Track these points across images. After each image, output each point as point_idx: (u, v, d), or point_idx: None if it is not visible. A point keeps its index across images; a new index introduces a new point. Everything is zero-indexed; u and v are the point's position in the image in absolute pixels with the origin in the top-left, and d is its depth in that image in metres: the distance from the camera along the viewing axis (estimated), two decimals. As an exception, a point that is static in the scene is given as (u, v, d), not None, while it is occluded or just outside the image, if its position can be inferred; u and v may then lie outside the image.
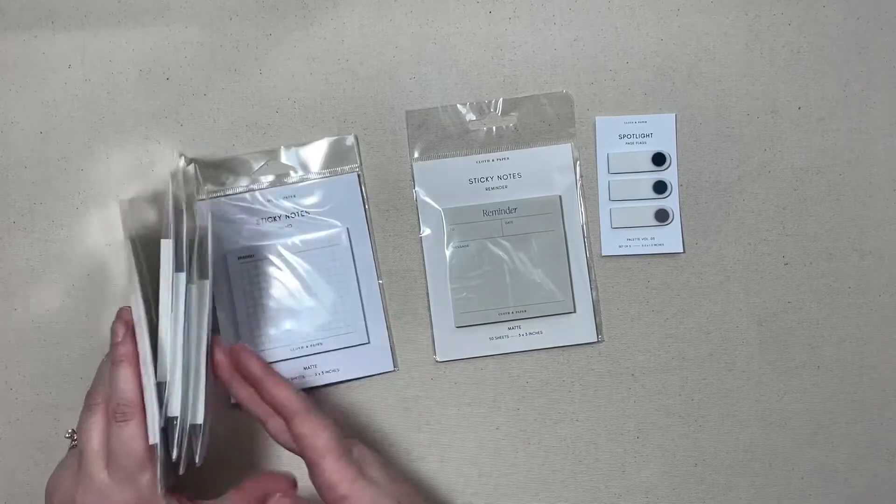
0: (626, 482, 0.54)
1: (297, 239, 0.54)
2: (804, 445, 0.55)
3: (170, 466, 0.46)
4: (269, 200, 0.54)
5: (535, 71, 0.56)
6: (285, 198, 0.54)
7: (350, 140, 0.55)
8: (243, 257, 0.54)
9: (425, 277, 0.55)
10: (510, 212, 0.54)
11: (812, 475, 0.54)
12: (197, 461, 0.47)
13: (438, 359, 0.54)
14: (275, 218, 0.54)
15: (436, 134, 0.55)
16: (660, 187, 0.55)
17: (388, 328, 0.54)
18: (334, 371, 0.54)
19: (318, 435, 0.45)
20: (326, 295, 0.54)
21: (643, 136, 0.55)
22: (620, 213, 0.55)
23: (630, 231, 0.55)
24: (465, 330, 0.54)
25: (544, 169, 0.55)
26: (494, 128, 0.55)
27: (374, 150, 0.56)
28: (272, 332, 0.54)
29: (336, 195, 0.54)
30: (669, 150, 0.55)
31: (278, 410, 0.47)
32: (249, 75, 0.56)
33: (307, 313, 0.54)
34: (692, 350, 0.55)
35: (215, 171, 0.55)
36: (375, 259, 0.54)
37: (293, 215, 0.54)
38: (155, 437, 0.44)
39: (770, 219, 0.55)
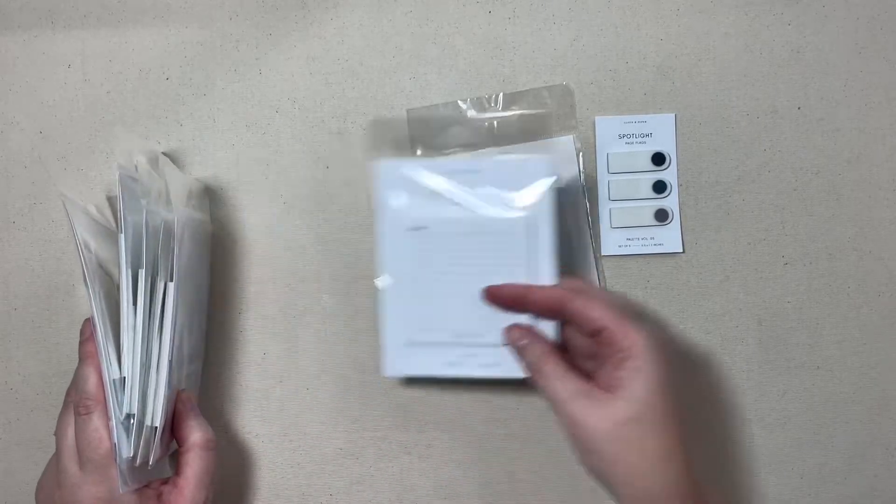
0: (625, 482, 0.54)
1: (473, 218, 0.49)
2: (804, 445, 0.55)
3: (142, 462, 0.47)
4: (454, 172, 0.50)
5: (534, 71, 0.56)
6: (470, 171, 0.50)
7: (569, 140, 0.54)
8: (416, 227, 0.50)
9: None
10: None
11: (812, 475, 0.54)
12: (150, 463, 0.47)
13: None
14: (453, 192, 0.50)
15: (437, 132, 0.55)
16: (659, 187, 0.55)
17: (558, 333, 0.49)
18: (496, 365, 0.49)
19: (591, 307, 0.45)
20: (495, 282, 0.49)
21: (643, 135, 0.55)
22: (620, 213, 0.55)
23: (630, 231, 0.55)
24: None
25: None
26: (496, 122, 0.55)
27: (373, 149, 0.56)
28: (439, 308, 0.50)
29: (524, 177, 0.49)
30: (669, 149, 0.55)
31: (549, 307, 0.47)
32: (249, 75, 0.56)
33: (476, 299, 0.49)
34: (692, 350, 0.55)
35: (428, 129, 0.54)
36: (554, 255, 0.49)
37: (474, 192, 0.50)
38: (113, 434, 0.45)
39: (770, 219, 0.55)
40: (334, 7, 0.56)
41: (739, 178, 0.55)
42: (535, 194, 0.49)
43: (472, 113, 0.55)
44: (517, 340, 0.48)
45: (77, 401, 0.46)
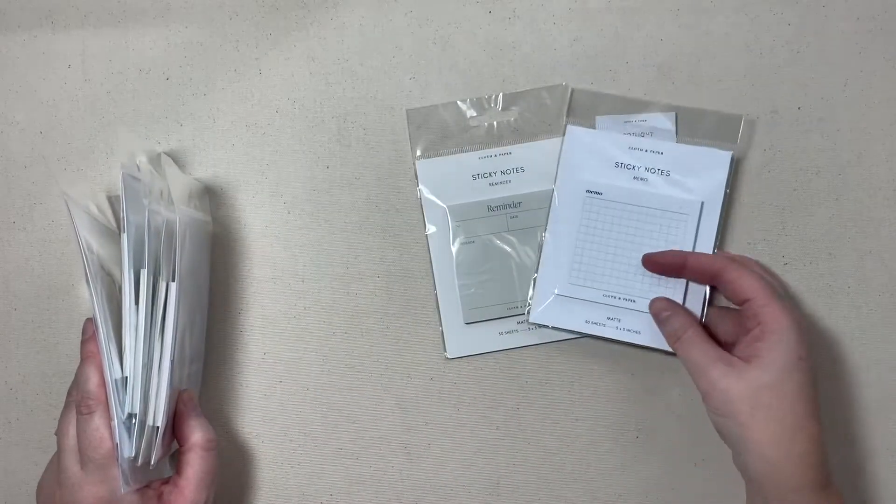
0: (626, 482, 0.54)
1: (648, 193, 0.53)
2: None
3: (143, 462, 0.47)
4: (637, 149, 0.54)
5: (534, 71, 0.56)
6: (654, 151, 0.54)
7: (741, 122, 0.55)
8: (592, 192, 0.53)
9: (432, 275, 0.55)
10: (515, 206, 0.54)
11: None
12: (151, 463, 0.47)
13: (449, 356, 0.54)
14: (634, 167, 0.54)
15: (437, 131, 0.55)
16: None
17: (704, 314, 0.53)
18: (636, 332, 0.53)
19: (745, 276, 0.48)
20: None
21: (643, 135, 0.55)
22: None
23: (631, 231, 0.55)
24: (474, 326, 0.54)
25: (548, 162, 0.55)
26: (496, 123, 0.55)
27: (374, 150, 0.56)
28: (594, 270, 0.53)
29: (703, 167, 0.54)
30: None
31: (706, 271, 0.50)
32: (249, 75, 0.56)
33: (631, 267, 0.53)
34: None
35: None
36: (716, 246, 0.53)
37: (654, 171, 0.53)
38: (115, 434, 0.45)
39: (770, 219, 0.55)
40: (334, 7, 0.56)
41: (740, 178, 0.55)
42: (710, 183, 0.53)
43: (471, 113, 0.55)
44: (661, 311, 0.51)
45: (78, 400, 0.46)
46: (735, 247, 0.55)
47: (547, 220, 0.54)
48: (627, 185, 0.53)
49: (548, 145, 0.55)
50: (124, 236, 0.46)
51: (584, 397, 0.55)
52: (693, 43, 0.56)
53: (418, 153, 0.55)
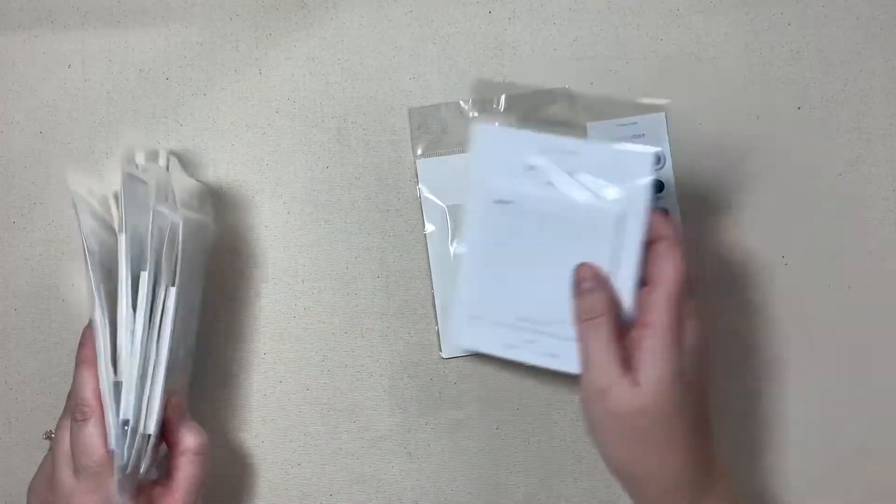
0: (625, 482, 0.54)
1: (564, 200, 0.47)
2: (804, 445, 0.55)
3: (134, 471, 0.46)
4: (551, 150, 0.47)
5: (534, 71, 0.56)
6: (568, 152, 0.47)
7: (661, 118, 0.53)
8: (501, 201, 0.48)
9: (430, 275, 0.54)
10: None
11: (811, 475, 0.54)
12: (140, 473, 0.46)
13: (444, 355, 0.54)
14: (548, 170, 0.47)
15: (438, 131, 0.55)
16: (656, 186, 0.55)
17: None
18: (553, 357, 0.47)
19: (667, 260, 0.44)
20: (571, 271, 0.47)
21: (635, 137, 0.55)
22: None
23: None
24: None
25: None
26: (497, 125, 0.55)
27: (374, 150, 0.56)
28: (507, 289, 0.48)
29: (623, 167, 0.47)
30: (663, 149, 0.55)
31: (653, 231, 0.45)
32: (249, 75, 0.56)
33: (547, 284, 0.47)
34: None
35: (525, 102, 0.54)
36: (639, 255, 0.46)
37: (570, 173, 0.47)
38: (111, 441, 0.45)
39: (770, 219, 0.55)
40: (334, 7, 0.56)
41: (739, 177, 0.55)
42: (630, 188, 0.46)
43: (473, 114, 0.55)
44: (583, 280, 0.45)
45: (73, 406, 0.46)
46: (735, 247, 0.55)
47: (461, 235, 0.50)
48: (540, 193, 0.47)
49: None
50: (122, 237, 0.45)
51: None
52: (693, 43, 0.56)
53: (419, 152, 0.55)
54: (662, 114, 0.55)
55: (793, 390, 0.55)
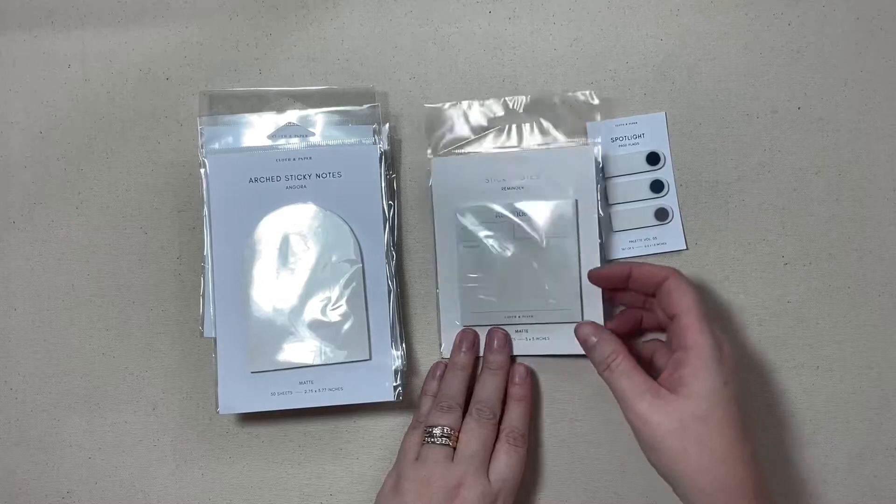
0: (626, 482, 0.54)
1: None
2: (804, 445, 0.55)
3: None
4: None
5: (534, 71, 0.56)
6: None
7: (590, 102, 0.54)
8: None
9: (436, 275, 0.54)
10: (524, 213, 0.53)
11: (812, 475, 0.54)
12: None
13: (444, 354, 0.54)
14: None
15: (453, 130, 0.55)
16: (657, 186, 0.55)
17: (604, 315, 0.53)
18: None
19: (684, 292, 0.47)
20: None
21: (635, 136, 0.55)
22: (620, 216, 0.55)
23: (632, 233, 0.55)
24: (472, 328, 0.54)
25: (564, 170, 0.53)
26: (514, 127, 0.55)
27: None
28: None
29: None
30: (663, 148, 0.55)
31: (650, 281, 0.49)
32: (249, 75, 0.56)
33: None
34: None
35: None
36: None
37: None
38: None
39: (770, 219, 0.55)
40: (334, 7, 0.56)
41: (739, 178, 0.55)
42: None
43: (492, 114, 0.55)
44: (588, 337, 0.49)
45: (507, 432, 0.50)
46: (735, 247, 0.55)
47: (435, 260, 0.54)
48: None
49: (568, 153, 0.53)
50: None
51: (584, 397, 0.55)
52: (693, 43, 0.56)
53: (429, 152, 0.55)
54: (662, 113, 0.55)
55: (793, 390, 0.55)
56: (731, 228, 0.55)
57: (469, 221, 0.53)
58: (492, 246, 0.53)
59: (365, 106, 0.54)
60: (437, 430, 0.49)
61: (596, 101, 0.54)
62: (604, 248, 0.53)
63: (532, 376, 0.54)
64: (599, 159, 0.53)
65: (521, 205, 0.53)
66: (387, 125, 0.54)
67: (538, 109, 0.55)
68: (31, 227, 0.55)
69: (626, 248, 0.55)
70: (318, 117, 0.54)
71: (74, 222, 0.55)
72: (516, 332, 0.54)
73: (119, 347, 0.55)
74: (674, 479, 0.45)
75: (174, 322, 0.55)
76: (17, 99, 0.56)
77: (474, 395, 0.52)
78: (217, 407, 0.51)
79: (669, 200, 0.55)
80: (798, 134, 0.55)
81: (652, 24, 0.56)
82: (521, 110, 0.55)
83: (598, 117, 0.55)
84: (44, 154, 0.56)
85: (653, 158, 0.55)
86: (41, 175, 0.56)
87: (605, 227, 0.55)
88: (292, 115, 0.54)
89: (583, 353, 0.50)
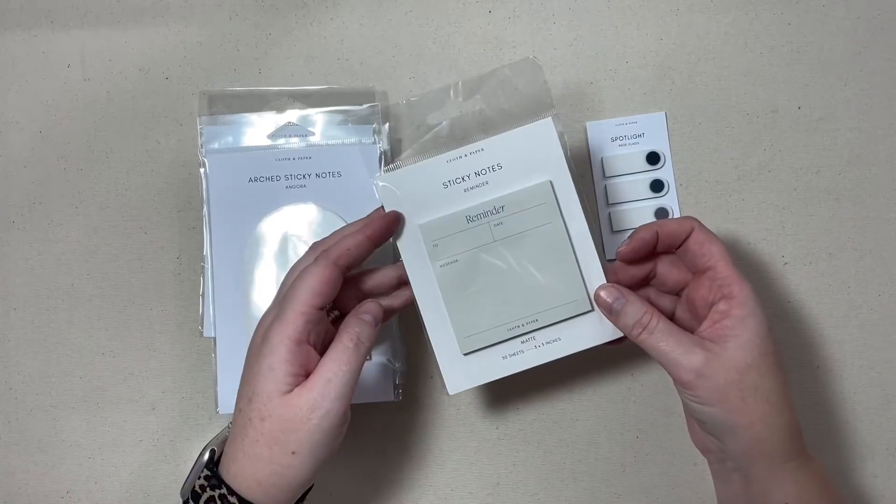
0: (626, 482, 0.54)
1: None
2: (807, 447, 0.54)
3: None
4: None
5: (534, 71, 0.56)
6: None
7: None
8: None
9: (417, 307, 0.47)
10: (497, 212, 0.47)
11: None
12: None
13: (450, 392, 0.47)
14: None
15: (393, 137, 0.53)
16: (657, 186, 0.55)
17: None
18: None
19: (713, 242, 0.45)
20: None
21: (635, 136, 0.55)
22: (620, 216, 0.55)
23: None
24: (473, 356, 0.47)
25: (527, 153, 0.47)
26: (460, 116, 0.52)
27: (374, 149, 0.56)
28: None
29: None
30: (663, 148, 0.55)
31: (678, 234, 0.46)
32: (249, 75, 0.56)
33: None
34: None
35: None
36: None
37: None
38: None
39: (770, 219, 0.55)
40: (334, 7, 0.56)
41: (739, 177, 0.55)
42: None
43: (430, 111, 0.52)
44: (615, 300, 0.45)
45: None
46: (735, 246, 0.55)
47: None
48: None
49: (525, 133, 0.47)
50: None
51: (584, 397, 0.55)
52: (693, 43, 0.56)
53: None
54: (662, 113, 0.55)
55: (793, 390, 0.55)
56: (731, 228, 0.55)
57: (437, 236, 0.47)
58: (471, 257, 0.47)
59: (365, 106, 0.54)
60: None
61: (540, 63, 0.50)
62: (590, 221, 0.47)
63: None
64: (561, 129, 0.47)
65: (491, 202, 0.47)
66: (387, 125, 0.54)
67: (483, 93, 0.52)
68: (30, 226, 0.55)
69: (626, 247, 0.55)
70: (317, 117, 0.54)
71: (74, 222, 0.55)
72: (522, 343, 0.47)
73: (119, 347, 0.55)
74: (728, 430, 0.44)
75: (174, 322, 0.55)
76: (17, 99, 0.56)
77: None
78: (217, 407, 0.51)
79: (669, 200, 0.55)
80: (798, 134, 0.55)
81: (652, 24, 0.56)
82: (461, 99, 0.51)
83: (546, 81, 0.50)
84: (44, 154, 0.56)
85: (653, 158, 0.55)
86: (41, 175, 0.56)
87: (605, 228, 0.55)
88: (292, 115, 0.54)
89: (596, 344, 0.47)
